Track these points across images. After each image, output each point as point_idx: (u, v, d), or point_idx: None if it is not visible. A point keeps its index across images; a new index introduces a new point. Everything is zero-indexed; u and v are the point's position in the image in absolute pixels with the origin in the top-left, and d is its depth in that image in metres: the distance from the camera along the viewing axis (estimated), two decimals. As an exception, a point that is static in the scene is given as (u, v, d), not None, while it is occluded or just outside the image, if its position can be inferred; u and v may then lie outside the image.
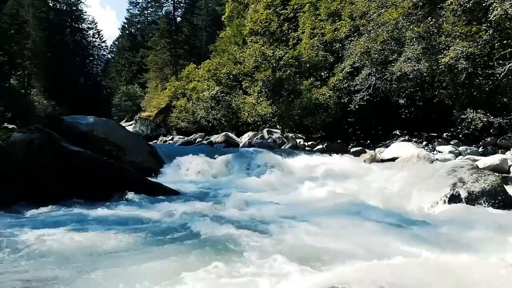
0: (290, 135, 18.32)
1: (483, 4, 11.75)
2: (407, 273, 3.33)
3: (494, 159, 9.81)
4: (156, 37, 40.23)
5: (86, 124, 10.96)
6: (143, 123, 32.58)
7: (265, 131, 18.97)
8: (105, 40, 67.12)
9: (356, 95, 15.28)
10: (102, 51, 57.77)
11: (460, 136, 13.36)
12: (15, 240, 4.48)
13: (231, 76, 22.77)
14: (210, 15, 43.08)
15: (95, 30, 53.53)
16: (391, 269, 3.44)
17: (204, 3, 44.92)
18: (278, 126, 19.57)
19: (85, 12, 75.46)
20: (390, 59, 14.70)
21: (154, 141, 24.76)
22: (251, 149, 14.98)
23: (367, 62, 15.14)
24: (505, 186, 7.15)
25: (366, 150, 14.02)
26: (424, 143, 13.74)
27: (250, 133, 19.90)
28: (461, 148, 12.06)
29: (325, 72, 17.95)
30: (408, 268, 3.48)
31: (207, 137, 22.29)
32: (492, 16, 11.16)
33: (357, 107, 15.11)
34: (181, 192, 8.06)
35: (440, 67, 12.72)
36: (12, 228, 4.93)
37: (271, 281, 3.33)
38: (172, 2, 43.39)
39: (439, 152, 12.06)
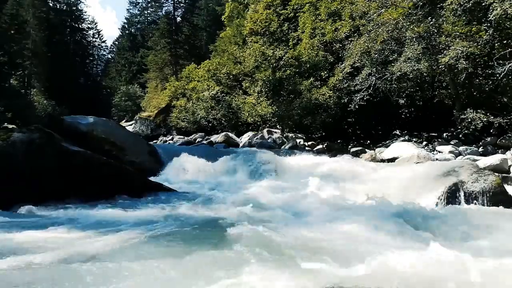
0: (290, 135, 18.32)
1: (483, 4, 11.75)
2: (414, 275, 3.33)
3: (494, 159, 9.81)
4: (156, 37, 40.22)
5: (86, 124, 10.95)
6: (143, 123, 32.57)
7: (265, 131, 18.97)
8: (105, 40, 67.19)
9: (356, 95, 15.27)
10: (102, 51, 57.95)
11: (460, 136, 13.36)
12: (14, 240, 4.48)
13: (231, 76, 22.77)
14: (210, 15, 43.07)
15: (95, 30, 53.67)
16: (395, 273, 3.44)
17: (204, 3, 44.91)
18: (278, 126, 19.56)
19: (85, 12, 75.78)
20: (390, 59, 14.69)
21: (154, 141, 24.75)
22: (251, 149, 15.00)
23: (367, 62, 15.14)
24: (505, 186, 7.16)
25: (366, 150, 14.01)
26: (424, 143, 13.73)
27: (250, 133, 19.90)
28: (461, 148, 12.06)
29: (325, 72, 17.94)
30: (412, 270, 3.48)
31: (207, 137, 22.28)
32: (492, 16, 11.16)
33: (357, 107, 15.11)
34: (181, 192, 8.06)
35: (440, 67, 12.72)
36: (11, 228, 4.92)
37: (273, 280, 3.33)
38: (172, 2, 43.36)
39: (439, 152, 12.06)
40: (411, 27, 13.19)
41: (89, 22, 51.55)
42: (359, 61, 15.36)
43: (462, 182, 6.77)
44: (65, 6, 47.63)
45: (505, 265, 3.62)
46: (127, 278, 3.40)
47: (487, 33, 11.97)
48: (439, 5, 13.06)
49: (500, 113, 12.57)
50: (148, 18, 55.27)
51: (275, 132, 18.79)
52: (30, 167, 6.51)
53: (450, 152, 11.73)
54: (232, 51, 24.25)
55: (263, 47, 19.33)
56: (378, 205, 6.26)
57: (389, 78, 14.50)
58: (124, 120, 40.66)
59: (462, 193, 6.59)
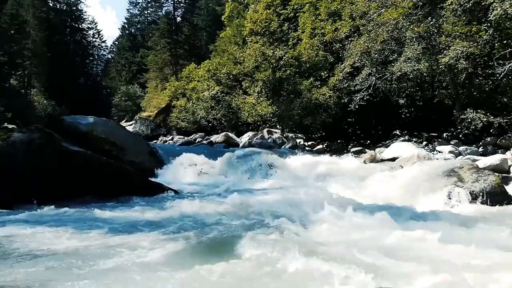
0: (290, 135, 18.32)
1: (483, 4, 11.75)
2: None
3: (494, 159, 9.80)
4: (156, 37, 40.21)
5: (86, 124, 10.93)
6: (143, 123, 32.55)
7: (265, 131, 18.97)
8: (105, 40, 67.18)
9: (356, 95, 15.27)
10: (102, 51, 57.99)
11: (460, 136, 13.36)
12: (14, 240, 4.48)
13: (231, 76, 22.76)
14: (210, 15, 43.08)
15: (95, 30, 53.71)
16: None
17: (204, 3, 44.91)
18: (278, 126, 19.56)
19: (85, 12, 75.89)
20: (390, 59, 14.69)
21: (154, 141, 24.74)
22: (251, 149, 14.98)
23: (367, 62, 15.13)
24: (505, 186, 7.16)
25: (366, 150, 14.00)
26: (424, 143, 13.73)
27: (250, 133, 19.89)
28: (461, 148, 12.05)
29: (325, 72, 17.94)
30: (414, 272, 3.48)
31: (207, 137, 22.28)
32: (492, 16, 11.15)
33: (357, 107, 15.11)
34: (181, 192, 8.06)
35: (440, 67, 12.72)
36: (11, 228, 4.93)
37: (272, 281, 3.33)
38: (172, 2, 43.35)
39: (439, 152, 12.05)
40: (411, 27, 13.18)
41: (89, 22, 51.66)
42: (359, 61, 15.36)
43: (462, 182, 6.77)
44: (65, 6, 47.66)
45: (505, 264, 3.62)
46: (124, 277, 3.40)
47: (487, 33, 11.96)
48: (439, 5, 13.05)
49: (500, 113, 12.56)
50: (148, 18, 55.26)
51: (275, 132, 18.79)
52: (30, 167, 6.51)
53: (450, 152, 11.72)
54: (232, 51, 24.24)
55: (263, 47, 19.33)
56: (378, 205, 6.26)
57: (389, 78, 14.50)
58: (124, 120, 40.65)
59: (462, 193, 6.59)
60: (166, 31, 38.55)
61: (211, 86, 23.96)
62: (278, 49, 18.93)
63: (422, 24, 12.86)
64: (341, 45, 17.56)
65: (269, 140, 17.44)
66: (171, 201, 7.04)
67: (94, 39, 54.02)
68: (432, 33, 13.02)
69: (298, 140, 17.40)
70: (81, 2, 48.90)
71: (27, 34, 28.44)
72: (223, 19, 31.54)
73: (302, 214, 5.75)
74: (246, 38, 23.53)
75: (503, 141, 12.10)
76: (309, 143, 17.19)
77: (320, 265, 3.63)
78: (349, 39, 16.56)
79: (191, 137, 23.33)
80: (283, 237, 4.61)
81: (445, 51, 12.41)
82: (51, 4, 44.57)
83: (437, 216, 5.73)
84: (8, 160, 6.41)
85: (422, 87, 15.31)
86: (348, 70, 16.17)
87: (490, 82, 12.71)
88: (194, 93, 25.70)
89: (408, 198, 6.79)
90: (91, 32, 52.77)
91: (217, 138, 19.92)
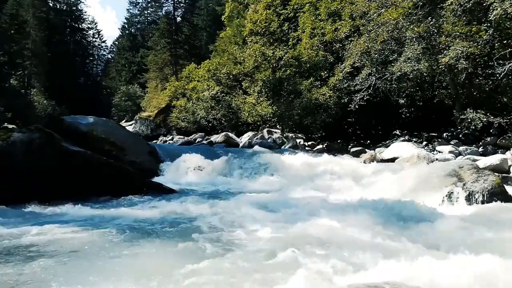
0: (290, 135, 18.31)
1: (483, 4, 11.75)
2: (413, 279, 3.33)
3: (494, 159, 9.81)
4: (156, 37, 40.19)
5: (86, 124, 10.95)
6: (143, 123, 32.55)
7: (265, 131, 18.96)
8: (105, 40, 67.19)
9: (356, 95, 15.28)
10: (102, 51, 58.02)
11: (460, 136, 13.36)
12: (14, 239, 4.48)
13: (231, 76, 22.76)
14: (210, 15, 43.09)
15: (95, 30, 53.75)
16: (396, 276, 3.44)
17: (204, 3, 44.92)
18: (278, 126, 19.56)
19: (85, 12, 76.01)
20: (390, 59, 14.70)
21: (154, 141, 24.73)
22: (251, 149, 15.00)
23: (367, 62, 15.13)
24: (505, 186, 7.16)
25: (366, 150, 14.01)
26: (424, 143, 13.73)
27: (250, 133, 19.89)
28: (461, 148, 12.06)
29: (325, 72, 17.94)
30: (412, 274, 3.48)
31: (207, 137, 22.28)
32: (492, 16, 11.16)
33: (357, 107, 15.11)
34: (181, 192, 8.06)
35: (440, 67, 12.72)
36: (11, 228, 4.93)
37: (271, 281, 3.33)
38: (172, 2, 43.31)
39: (439, 152, 12.06)
40: (411, 27, 13.18)
41: (89, 22, 51.71)
42: (359, 61, 15.36)
43: (462, 182, 6.77)
44: (65, 6, 47.70)
45: (505, 264, 3.62)
46: (124, 277, 3.40)
47: (487, 33, 11.96)
48: (439, 5, 13.06)
49: (500, 113, 12.57)
50: (148, 18, 55.26)
51: (275, 132, 18.79)
52: (30, 167, 6.52)
53: (450, 152, 11.73)
54: (232, 51, 24.24)
55: (263, 47, 19.33)
56: (378, 205, 6.26)
57: (389, 78, 14.51)
58: (124, 120, 40.65)
59: (462, 193, 6.59)
60: (166, 31, 38.52)
61: (211, 86, 23.97)
62: (278, 49, 18.93)
63: (422, 24, 12.86)
64: (341, 45, 17.56)
65: (269, 140, 17.43)
66: (170, 201, 7.04)
67: (94, 39, 54.12)
68: (432, 33, 13.02)
69: (298, 140, 17.40)
70: (81, 2, 49.02)
71: (27, 34, 28.40)
72: (223, 19, 31.52)
73: (301, 215, 5.75)
74: (246, 38, 23.53)
75: (503, 141, 12.10)
76: (309, 143, 17.19)
77: (306, 262, 3.64)
78: (349, 39, 16.56)
79: (191, 137, 23.32)
80: (279, 239, 4.61)
81: (445, 51, 12.41)
82: (51, 4, 44.59)
83: (437, 216, 5.72)
84: (8, 160, 6.42)
85: (422, 87, 15.32)
86: (348, 70, 16.17)
87: (490, 82, 12.72)
88: (194, 93, 25.70)
89: (408, 198, 6.79)
90: (91, 32, 52.88)
91: (217, 138, 19.92)
